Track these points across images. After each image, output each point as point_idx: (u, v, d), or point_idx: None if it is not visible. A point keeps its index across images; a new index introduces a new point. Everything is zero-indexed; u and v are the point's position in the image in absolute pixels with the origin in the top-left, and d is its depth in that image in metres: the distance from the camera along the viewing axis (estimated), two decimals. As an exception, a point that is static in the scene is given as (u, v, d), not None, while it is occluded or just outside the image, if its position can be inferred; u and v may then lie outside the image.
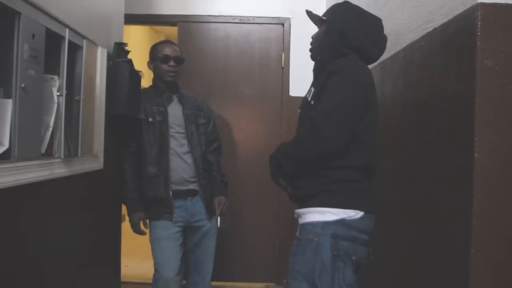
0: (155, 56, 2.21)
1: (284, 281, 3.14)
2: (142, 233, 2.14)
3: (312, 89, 1.51)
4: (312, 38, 1.64)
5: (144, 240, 2.26)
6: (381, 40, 1.57)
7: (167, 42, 2.30)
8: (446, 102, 1.50)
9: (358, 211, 1.41)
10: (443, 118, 1.53)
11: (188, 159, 2.17)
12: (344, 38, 1.47)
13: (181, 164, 2.15)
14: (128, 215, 2.13)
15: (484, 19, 1.29)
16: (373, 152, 1.48)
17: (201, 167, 2.21)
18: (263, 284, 3.21)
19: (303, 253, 1.41)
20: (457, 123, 1.42)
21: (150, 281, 2.18)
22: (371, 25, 1.54)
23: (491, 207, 1.29)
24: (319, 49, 1.56)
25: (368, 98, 1.44)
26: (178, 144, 2.16)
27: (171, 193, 2.10)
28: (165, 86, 2.22)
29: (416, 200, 1.75)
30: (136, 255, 3.41)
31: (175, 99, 2.23)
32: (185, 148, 2.18)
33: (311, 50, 1.63)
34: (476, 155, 1.28)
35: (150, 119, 2.13)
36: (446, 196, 1.49)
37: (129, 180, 2.11)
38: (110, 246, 2.19)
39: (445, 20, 1.53)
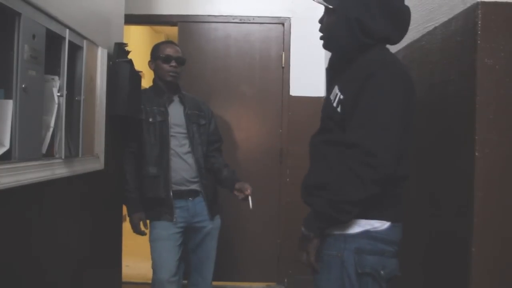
0: (157, 56, 2.21)
1: (285, 280, 3.15)
2: (142, 233, 2.14)
3: (338, 92, 1.26)
4: (320, 23, 1.38)
5: (145, 240, 2.26)
6: (405, 17, 1.31)
7: (169, 42, 2.31)
8: (447, 101, 1.50)
9: (384, 222, 1.23)
10: (443, 117, 1.53)
11: (189, 159, 2.17)
12: (365, 28, 1.23)
13: (182, 164, 2.15)
14: (128, 216, 2.14)
15: (484, 17, 1.28)
16: (405, 158, 1.26)
17: (203, 167, 2.21)
18: (264, 284, 3.21)
19: (329, 271, 1.25)
20: (458, 122, 1.42)
21: (151, 281, 2.19)
22: (393, 2, 1.27)
23: (492, 206, 1.29)
24: (335, 43, 1.34)
25: (409, 102, 1.23)
26: (178, 144, 2.16)
27: (171, 193, 2.10)
28: (166, 86, 2.22)
29: (417, 199, 1.75)
30: (137, 255, 3.40)
31: (176, 100, 2.23)
32: (186, 148, 2.17)
33: (322, 38, 1.37)
34: (476, 154, 1.28)
35: (150, 119, 2.13)
36: (447, 195, 1.49)
37: (129, 181, 2.12)
38: (111, 246, 2.19)
39: (445, 18, 1.53)
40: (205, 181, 2.20)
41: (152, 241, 2.13)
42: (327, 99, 1.33)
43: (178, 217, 2.11)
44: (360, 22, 1.23)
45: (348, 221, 1.22)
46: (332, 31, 1.32)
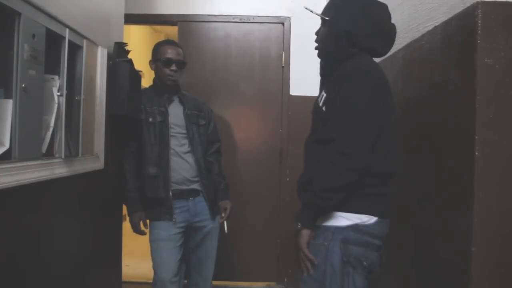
0: (158, 57, 2.20)
1: (285, 280, 3.15)
2: (142, 233, 2.14)
3: (324, 94, 1.42)
4: (316, 34, 1.52)
5: (145, 240, 2.26)
6: (390, 33, 1.46)
7: (171, 44, 2.26)
8: (447, 101, 1.50)
9: (371, 216, 1.34)
10: (443, 117, 1.53)
11: (189, 158, 2.17)
12: (351, 38, 1.38)
13: (182, 164, 2.15)
14: (128, 215, 2.13)
15: (484, 17, 1.28)
16: (390, 156, 1.38)
17: (203, 166, 2.21)
18: (264, 284, 3.21)
19: (314, 258, 1.35)
20: (458, 122, 1.42)
21: (151, 281, 2.19)
22: (379, 18, 1.41)
23: (492, 206, 1.29)
24: (325, 52, 1.47)
25: (384, 101, 1.35)
26: (178, 144, 2.16)
27: (171, 193, 2.10)
28: (166, 87, 2.21)
29: (417, 199, 1.75)
30: (137, 255, 3.41)
31: (176, 100, 2.23)
32: (186, 148, 2.17)
33: (317, 48, 1.52)
34: (476, 153, 1.28)
35: (150, 119, 2.13)
36: (447, 195, 1.49)
37: (129, 180, 2.11)
38: (111, 246, 2.19)
39: (445, 18, 1.53)
40: (205, 181, 2.20)
41: (152, 241, 2.13)
42: (315, 101, 1.47)
43: (178, 218, 2.11)
44: (348, 33, 1.37)
45: (330, 207, 1.33)
46: (323, 40, 1.47)
